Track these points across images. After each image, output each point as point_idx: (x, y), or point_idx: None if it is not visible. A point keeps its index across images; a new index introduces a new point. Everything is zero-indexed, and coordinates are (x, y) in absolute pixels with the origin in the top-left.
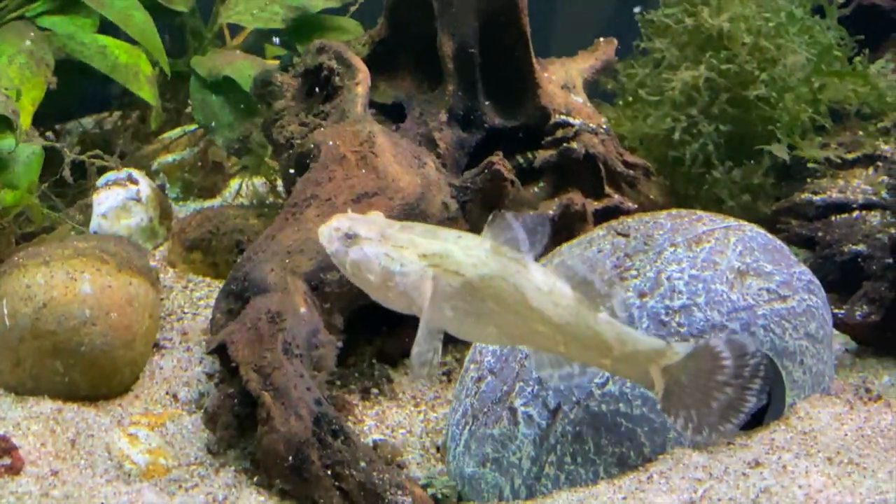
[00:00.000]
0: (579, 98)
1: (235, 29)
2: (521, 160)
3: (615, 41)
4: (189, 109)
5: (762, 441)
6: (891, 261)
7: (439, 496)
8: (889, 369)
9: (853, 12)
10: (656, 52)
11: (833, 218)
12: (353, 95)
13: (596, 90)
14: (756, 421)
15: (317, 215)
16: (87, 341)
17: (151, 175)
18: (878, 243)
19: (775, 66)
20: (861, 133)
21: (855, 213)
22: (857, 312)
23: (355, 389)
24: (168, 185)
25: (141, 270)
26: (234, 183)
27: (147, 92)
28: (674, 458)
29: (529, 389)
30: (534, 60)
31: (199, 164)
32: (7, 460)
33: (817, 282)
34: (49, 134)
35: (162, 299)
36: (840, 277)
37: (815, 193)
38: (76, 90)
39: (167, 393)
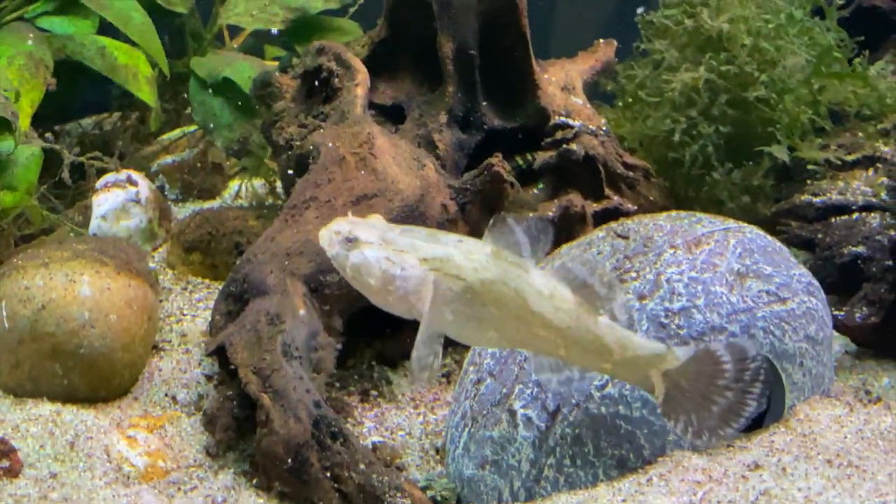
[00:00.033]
0: (579, 99)
1: (235, 30)
2: (520, 162)
3: (615, 42)
4: (188, 111)
5: (762, 443)
6: (890, 263)
7: (438, 498)
8: (889, 371)
9: (853, 14)
10: (656, 54)
11: (833, 220)
12: (353, 97)
13: (596, 91)
14: (756, 423)
15: (316, 217)
16: (85, 343)
17: (151, 176)
18: (878, 245)
19: (775, 68)
20: (861, 135)
21: (855, 215)
22: (857, 314)
23: (354, 391)
24: (167, 187)
25: (140, 272)
26: (234, 184)
27: (146, 93)
28: (673, 461)
29: (529, 392)
30: (533, 62)
31: (199, 165)
32: (6, 462)
33: (817, 284)
34: (48, 135)
35: (161, 301)
36: (840, 279)
37: (815, 195)
38: (75, 91)
39: (166, 395)
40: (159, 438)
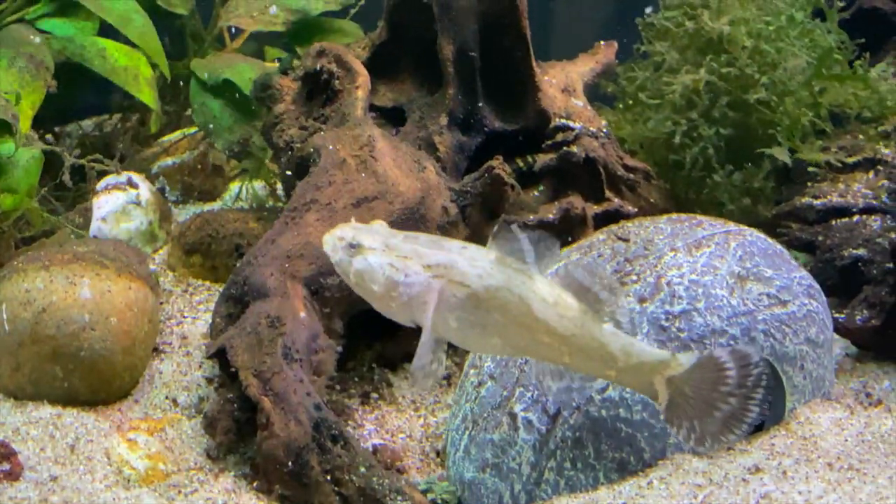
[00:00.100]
0: (579, 101)
1: (235, 31)
2: (521, 164)
3: (615, 44)
4: (189, 112)
5: (762, 446)
6: (891, 265)
7: (439, 501)
8: (889, 374)
9: (853, 15)
10: (657, 56)
11: (833, 222)
12: (353, 99)
13: (596, 93)
14: (756, 426)
15: (317, 219)
16: (86, 346)
17: (151, 178)
18: (879, 247)
19: (776, 70)
20: (861, 137)
21: (855, 218)
22: (858, 317)
23: (355, 394)
24: (168, 189)
25: (140, 275)
26: (234, 186)
27: (147, 95)
28: (674, 464)
29: (529, 395)
30: (534, 64)
31: (199, 167)
32: (6, 465)
33: (817, 286)
34: (48, 137)
35: (161, 303)
36: (840, 282)
37: (816, 197)
38: (76, 93)
39: (167, 398)
40: (160, 441)
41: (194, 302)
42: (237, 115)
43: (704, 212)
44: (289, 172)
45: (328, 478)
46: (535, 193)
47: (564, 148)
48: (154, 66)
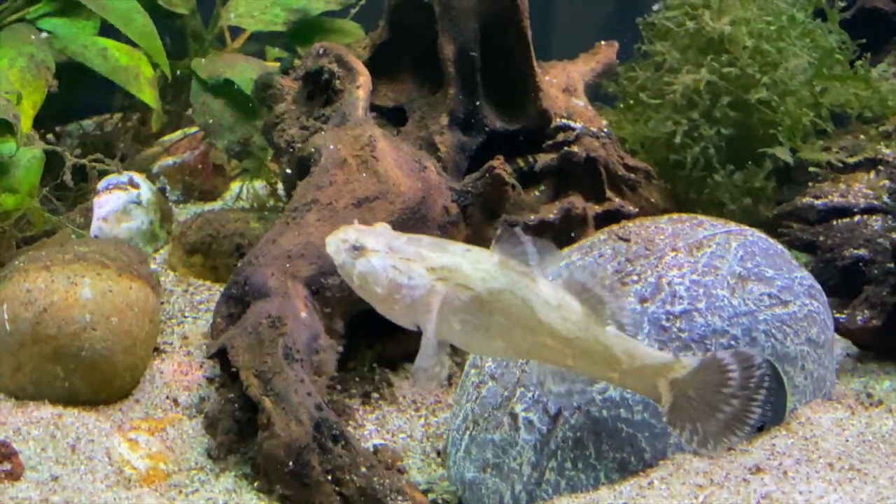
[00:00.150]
0: (580, 101)
1: (236, 31)
2: (521, 164)
3: (616, 44)
4: (190, 112)
5: (763, 447)
6: (892, 265)
7: (440, 501)
8: (890, 374)
9: (854, 15)
10: (657, 56)
11: (834, 222)
12: (354, 99)
13: (597, 93)
14: (758, 427)
15: (317, 220)
16: (87, 346)
17: (152, 178)
18: (880, 248)
19: (777, 70)
20: (862, 137)
21: (856, 218)
22: (859, 317)
23: (356, 394)
24: (168, 188)
25: (141, 274)
26: (235, 186)
27: (148, 94)
28: (675, 464)
29: (530, 395)
30: (535, 63)
31: (200, 167)
32: (7, 465)
33: (818, 286)
34: (49, 136)
35: (162, 303)
36: (841, 282)
37: (817, 197)
38: (77, 93)
39: (167, 397)
40: (160, 441)
41: (195, 302)
42: (238, 114)
43: (705, 212)
44: (289, 171)
45: (329, 478)
46: (536, 193)
47: (565, 148)
48: (155, 65)
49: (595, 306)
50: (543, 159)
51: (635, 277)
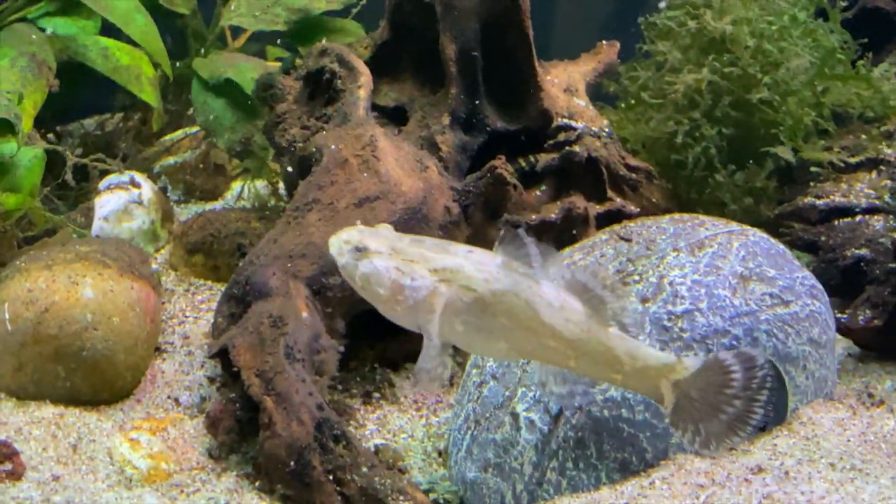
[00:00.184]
0: (582, 101)
1: (237, 31)
2: (523, 164)
3: (617, 44)
4: (191, 112)
5: (765, 447)
6: (894, 265)
7: (441, 501)
8: (892, 374)
9: (856, 15)
10: (659, 55)
11: (836, 222)
12: (356, 99)
13: (598, 93)
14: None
15: (319, 219)
16: (88, 346)
17: (153, 177)
18: (881, 248)
19: (778, 70)
20: (864, 137)
21: (858, 218)
22: (860, 317)
23: (357, 394)
24: (170, 188)
25: (143, 274)
26: (236, 186)
27: (149, 94)
28: (676, 464)
29: (531, 395)
30: (536, 63)
31: (201, 166)
32: (8, 465)
33: (820, 286)
34: (50, 136)
35: (163, 303)
36: (843, 282)
37: (818, 197)
38: (78, 92)
39: (169, 397)
40: (162, 441)
41: (196, 301)
42: (239, 114)
43: (707, 212)
44: (289, 168)
45: (330, 478)
46: (538, 193)
47: (567, 148)
48: (156, 65)
49: (597, 307)
50: (545, 159)
51: (637, 277)
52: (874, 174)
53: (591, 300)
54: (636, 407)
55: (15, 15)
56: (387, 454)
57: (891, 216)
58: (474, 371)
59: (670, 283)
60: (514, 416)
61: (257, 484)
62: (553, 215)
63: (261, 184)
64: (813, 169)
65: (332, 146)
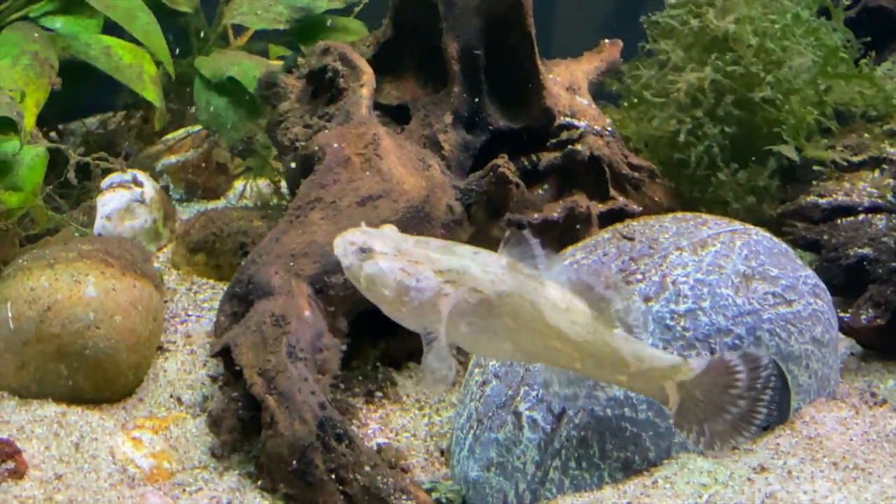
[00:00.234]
0: (584, 100)
1: (239, 29)
2: (525, 162)
3: (620, 42)
4: (193, 110)
5: (767, 446)
6: None
7: (444, 500)
8: (895, 373)
9: (859, 14)
10: (661, 54)
11: (839, 221)
12: (358, 97)
13: (601, 92)
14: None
15: (321, 218)
16: (91, 344)
17: (155, 176)
18: (884, 247)
19: (781, 68)
20: (867, 135)
21: (861, 216)
22: (863, 316)
23: (359, 393)
24: (172, 187)
25: (145, 273)
26: (238, 184)
27: (151, 92)
28: (679, 463)
29: (534, 394)
30: (539, 62)
31: (203, 165)
32: (11, 464)
33: (823, 285)
34: (52, 134)
35: (166, 302)
36: (846, 281)
37: (821, 196)
38: (80, 91)
39: (171, 396)
40: (164, 440)
41: (198, 300)
42: (241, 112)
43: (709, 210)
44: (293, 164)
45: (333, 477)
46: (540, 192)
47: (569, 146)
48: (158, 63)
49: (601, 307)
50: (547, 158)
51: (639, 276)
52: (877, 173)
53: (595, 300)
54: (639, 406)
55: (17, 13)
56: (389, 453)
57: (893, 215)
58: (477, 370)
59: (673, 282)
60: (517, 415)
61: (260, 483)
62: (555, 214)
63: (263, 182)
64: (815, 168)
65: (335, 145)
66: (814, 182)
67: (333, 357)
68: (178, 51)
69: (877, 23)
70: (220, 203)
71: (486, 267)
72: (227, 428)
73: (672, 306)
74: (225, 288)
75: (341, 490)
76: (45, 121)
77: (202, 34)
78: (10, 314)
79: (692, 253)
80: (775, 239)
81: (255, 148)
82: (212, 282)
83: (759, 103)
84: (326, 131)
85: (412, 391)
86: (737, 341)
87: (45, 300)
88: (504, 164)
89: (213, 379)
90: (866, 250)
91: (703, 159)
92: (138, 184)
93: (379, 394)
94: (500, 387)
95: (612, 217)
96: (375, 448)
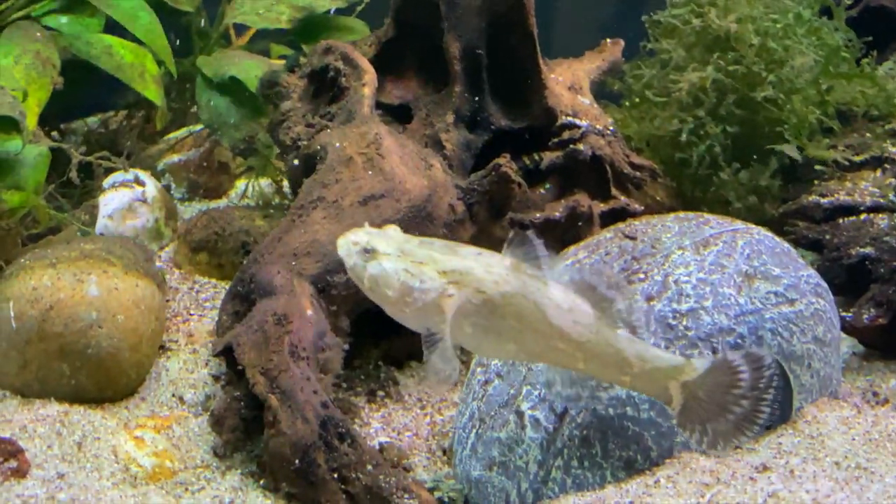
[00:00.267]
0: (586, 99)
1: (241, 29)
2: (527, 162)
3: (622, 42)
4: (195, 109)
5: (769, 445)
6: None
7: (446, 499)
8: None
9: (861, 14)
10: (663, 53)
11: (840, 220)
12: (360, 96)
13: (602, 91)
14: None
15: (323, 217)
16: (93, 343)
17: (157, 175)
18: (886, 246)
19: (783, 68)
20: (869, 135)
21: (863, 216)
22: (865, 315)
23: (361, 392)
24: (173, 186)
25: (147, 272)
26: (240, 184)
27: (153, 92)
28: (681, 462)
29: (536, 393)
30: (540, 61)
31: (205, 164)
32: (13, 463)
33: (825, 285)
34: (54, 134)
35: (168, 301)
36: (847, 280)
37: (823, 196)
38: (82, 90)
39: (173, 395)
40: (167, 439)
41: (200, 299)
42: (243, 112)
43: (711, 210)
44: (296, 161)
45: (335, 476)
46: (542, 191)
47: (571, 146)
48: (160, 63)
49: (604, 307)
50: (549, 157)
51: (642, 276)
52: (879, 172)
53: (598, 300)
54: (641, 405)
55: (19, 12)
56: (391, 452)
57: (895, 214)
58: (479, 369)
59: (675, 282)
60: (519, 414)
61: (262, 482)
62: (557, 213)
63: (265, 182)
64: (817, 167)
65: (337, 144)
66: (815, 182)
67: (336, 356)
68: (179, 50)
69: (878, 22)
70: (221, 202)
71: (489, 268)
72: (229, 427)
73: (674, 305)
74: (227, 287)
75: (343, 489)
76: (47, 120)
77: (203, 27)
78: (12, 313)
79: (694, 252)
80: (777, 238)
81: (257, 147)
82: (214, 281)
83: (760, 103)
84: (328, 131)
85: (414, 390)
86: (739, 341)
87: (47, 299)
88: (506, 163)
89: (216, 378)
90: (868, 250)
91: (705, 159)
92: (140, 183)
93: (381, 393)
94: (502, 386)
95: (614, 216)
96: (378, 447)
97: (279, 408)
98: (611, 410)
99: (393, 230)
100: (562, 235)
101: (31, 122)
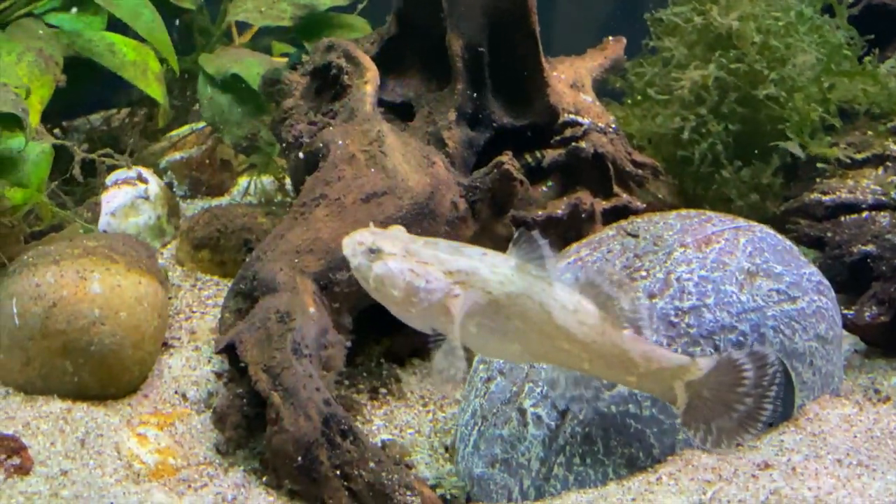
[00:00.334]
0: (588, 97)
1: (243, 26)
2: (529, 159)
3: (624, 40)
4: (197, 107)
5: (771, 443)
6: None
7: (448, 497)
8: None
9: (862, 11)
10: (665, 51)
11: (842, 218)
12: (362, 94)
13: (605, 89)
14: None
15: (326, 215)
16: (96, 340)
17: (159, 173)
18: (888, 244)
19: (785, 66)
20: (870, 133)
21: (864, 214)
22: (867, 313)
23: (364, 389)
24: (176, 183)
25: (150, 269)
26: (243, 181)
27: (155, 89)
28: (683, 460)
29: (539, 390)
30: (543, 59)
31: (207, 162)
32: (16, 460)
33: (827, 282)
34: (56, 131)
35: (170, 298)
36: (849, 278)
37: (825, 193)
38: (84, 88)
39: (176, 392)
40: (169, 436)
41: (203, 297)
42: (245, 109)
43: (713, 207)
44: (301, 155)
45: (337, 473)
46: (544, 189)
47: (573, 143)
48: (162, 60)
49: (608, 305)
50: (551, 155)
51: (644, 273)
52: (880, 170)
53: (602, 299)
54: (643, 403)
55: (22, 10)
56: (394, 449)
57: None
58: (481, 367)
59: (677, 279)
60: (522, 411)
61: (265, 479)
62: (559, 211)
63: (267, 179)
64: (819, 165)
65: (339, 141)
66: (817, 179)
67: (338, 353)
68: (181, 47)
69: (880, 20)
70: (224, 200)
71: (494, 268)
72: (231, 424)
73: (676, 303)
74: (229, 284)
75: (346, 486)
76: (50, 117)
77: (206, 24)
78: (15, 310)
79: (696, 250)
80: (779, 236)
81: (259, 145)
82: (216, 278)
83: (762, 101)
84: (331, 128)
85: (416, 388)
86: (741, 338)
87: (50, 296)
88: (508, 161)
89: (218, 375)
90: (870, 247)
91: (707, 156)
92: (143, 180)
93: (383, 390)
94: (504, 383)
95: (616, 214)
96: (380, 444)
97: (282, 405)
98: (613, 408)
99: (398, 230)
100: (564, 233)
101: (33, 119)
